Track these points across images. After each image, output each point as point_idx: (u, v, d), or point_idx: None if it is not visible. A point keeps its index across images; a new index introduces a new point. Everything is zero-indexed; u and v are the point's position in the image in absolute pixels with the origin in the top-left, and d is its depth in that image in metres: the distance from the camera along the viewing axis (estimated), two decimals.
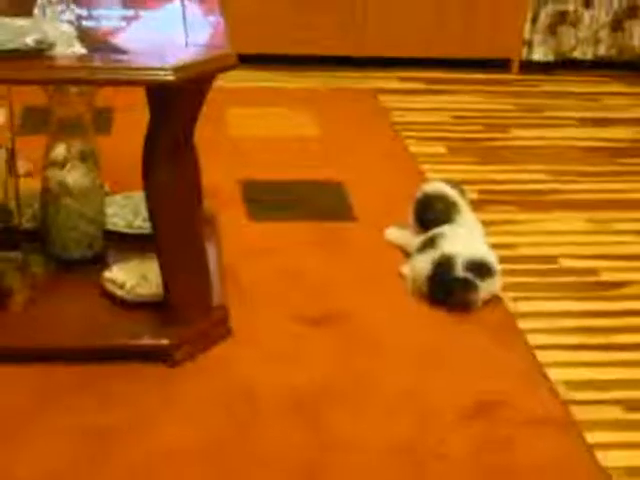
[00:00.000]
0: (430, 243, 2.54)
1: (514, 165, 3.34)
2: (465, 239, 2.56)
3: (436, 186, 2.71)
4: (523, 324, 2.44)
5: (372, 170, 3.20)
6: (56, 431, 2.00)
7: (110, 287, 2.30)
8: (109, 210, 2.55)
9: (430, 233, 2.57)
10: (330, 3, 3.96)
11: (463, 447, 2.02)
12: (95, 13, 2.22)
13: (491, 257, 2.54)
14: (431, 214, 2.63)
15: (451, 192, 2.67)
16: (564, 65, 4.20)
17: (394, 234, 2.76)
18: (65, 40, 1.99)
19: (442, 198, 2.65)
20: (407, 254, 2.65)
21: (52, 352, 2.18)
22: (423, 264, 2.52)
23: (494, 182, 3.21)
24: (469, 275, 2.46)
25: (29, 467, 1.91)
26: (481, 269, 2.48)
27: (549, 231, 2.92)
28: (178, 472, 1.91)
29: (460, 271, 2.46)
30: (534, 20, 4.11)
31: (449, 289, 2.47)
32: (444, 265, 2.47)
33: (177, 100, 2.04)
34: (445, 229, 2.57)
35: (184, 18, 2.26)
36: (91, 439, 1.98)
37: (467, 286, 2.46)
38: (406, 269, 2.59)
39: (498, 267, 2.53)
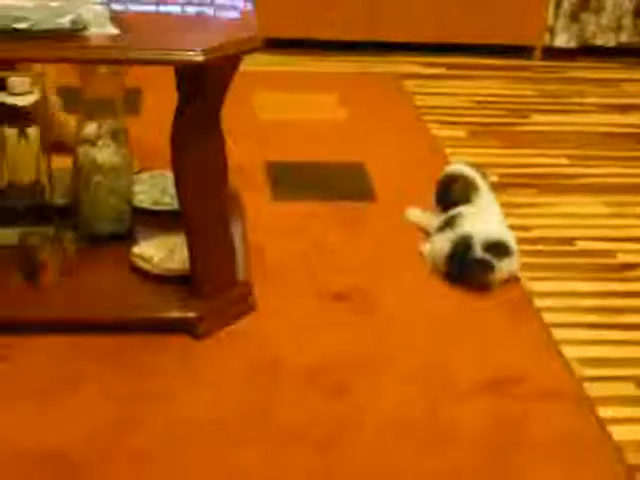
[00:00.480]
0: (449, 223, 2.60)
1: (535, 149, 3.39)
2: (484, 220, 2.62)
3: (457, 167, 2.77)
4: (539, 303, 2.50)
5: (394, 152, 3.26)
6: (88, 400, 2.07)
7: (138, 262, 2.37)
8: (137, 188, 2.62)
9: (450, 213, 2.63)
10: None
11: (477, 420, 2.08)
12: None
13: (509, 237, 2.59)
14: (450, 194, 2.69)
15: (471, 173, 2.72)
16: (586, 52, 4.24)
17: (414, 214, 2.82)
18: (98, 21, 2.06)
19: (462, 178, 2.71)
20: (427, 234, 2.71)
21: (82, 324, 2.26)
22: (442, 244, 2.57)
23: (514, 166, 3.25)
24: (487, 256, 2.52)
25: (60, 431, 1.99)
26: (499, 249, 2.54)
27: (567, 214, 2.97)
28: (200, 441, 1.98)
29: (478, 251, 2.52)
30: (557, 6, 4.14)
31: (467, 269, 2.53)
32: (463, 245, 2.53)
33: (205, 80, 2.10)
34: (464, 209, 2.63)
35: (212, 1, 2.33)
36: (120, 408, 2.05)
37: (485, 267, 2.52)
38: (426, 248, 2.65)
39: (516, 247, 2.58)
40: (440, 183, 2.74)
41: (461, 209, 2.63)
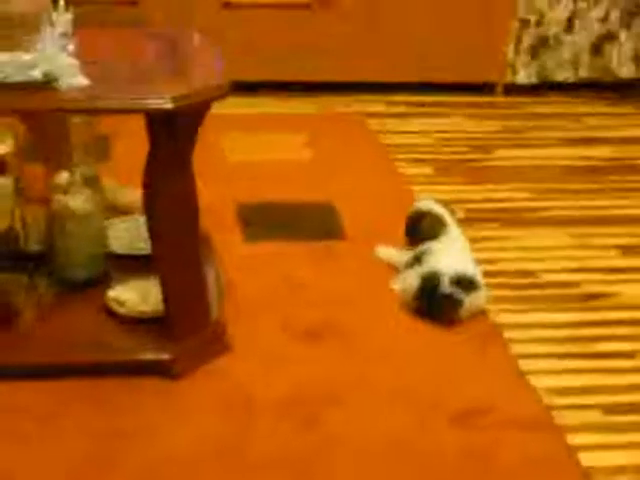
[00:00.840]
0: (418, 259, 2.67)
1: (498, 184, 3.46)
2: (451, 255, 2.68)
3: (425, 204, 2.85)
4: (507, 334, 2.56)
5: (362, 191, 3.32)
6: (65, 438, 2.12)
7: (113, 305, 2.42)
8: (110, 233, 2.66)
9: (417, 250, 2.70)
10: (317, 30, 4.08)
11: (448, 450, 2.14)
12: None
13: (476, 272, 2.66)
14: (419, 230, 2.77)
15: (439, 210, 2.79)
16: (547, 87, 4.33)
17: (384, 251, 2.88)
18: (69, 72, 2.11)
19: (430, 215, 2.78)
20: (397, 270, 2.77)
21: (59, 368, 2.29)
22: (411, 279, 2.64)
23: (479, 201, 3.33)
24: (455, 290, 2.58)
25: (41, 469, 2.03)
26: (466, 284, 2.60)
27: (531, 246, 3.04)
28: (179, 475, 2.03)
29: (446, 286, 2.58)
30: (517, 43, 4.23)
31: (436, 304, 2.59)
32: (431, 280, 2.59)
33: (175, 127, 2.16)
34: (432, 245, 2.69)
35: (178, 48, 2.39)
36: (98, 445, 2.10)
37: (453, 301, 2.58)
38: (395, 284, 2.71)
39: (483, 281, 2.65)
40: (409, 219, 2.82)
41: (429, 245, 2.70)
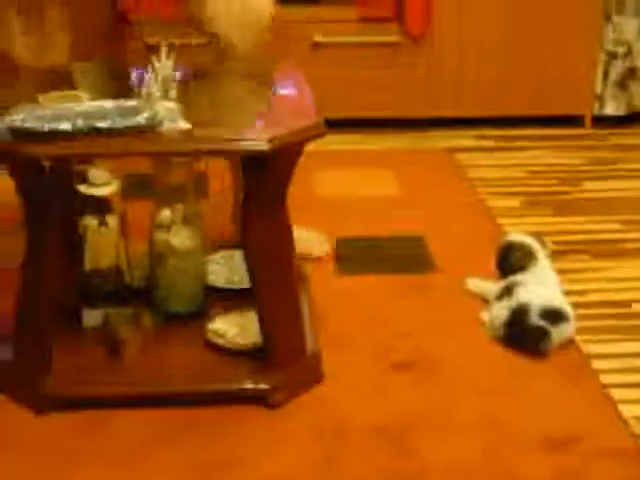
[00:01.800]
0: (507, 291, 2.72)
1: (587, 216, 3.49)
2: (541, 287, 2.73)
3: (517, 236, 2.92)
4: (596, 365, 2.60)
5: (451, 224, 3.38)
6: (168, 466, 2.22)
7: (213, 337, 2.52)
8: (210, 268, 2.77)
9: (507, 281, 2.76)
10: (404, 67, 4.17)
11: (542, 476, 2.18)
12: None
13: (565, 304, 2.70)
14: (510, 261, 2.83)
15: (530, 242, 2.85)
16: (635, 119, 4.35)
17: (474, 283, 2.94)
18: (171, 116, 2.24)
19: (521, 246, 2.84)
20: (487, 302, 2.83)
21: (162, 397, 2.41)
22: (501, 311, 2.69)
23: (568, 232, 3.36)
24: (543, 323, 2.63)
25: None
26: (555, 316, 2.65)
27: (622, 277, 3.06)
28: None
29: (535, 318, 2.63)
30: (605, 76, 4.26)
31: (525, 336, 2.64)
32: (520, 313, 2.65)
33: (271, 167, 2.26)
34: (522, 278, 2.75)
35: (275, 89, 2.50)
36: (196, 474, 2.20)
37: (541, 333, 2.63)
38: (485, 315, 2.77)
39: (572, 313, 2.69)
40: (500, 250, 2.88)
41: (519, 277, 2.75)
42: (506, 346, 2.67)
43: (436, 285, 2.99)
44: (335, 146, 4.00)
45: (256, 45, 2.63)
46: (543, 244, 2.89)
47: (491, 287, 2.85)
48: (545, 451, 2.27)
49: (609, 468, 2.21)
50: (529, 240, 2.87)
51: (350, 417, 2.38)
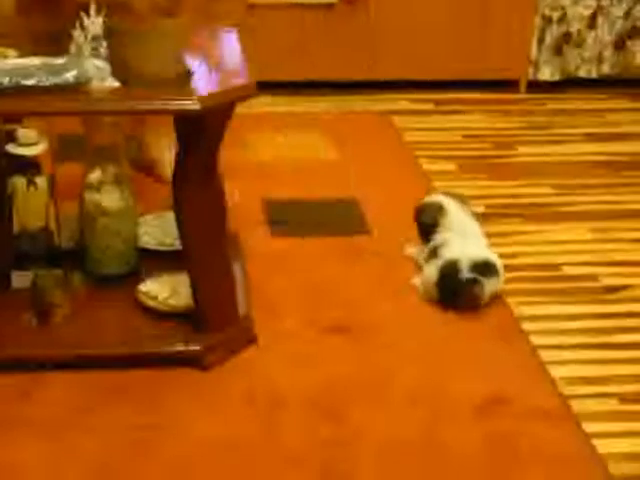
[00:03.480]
0: (433, 254, 2.74)
1: (520, 180, 3.52)
2: (465, 243, 2.76)
3: (431, 196, 2.96)
4: (527, 326, 2.62)
5: (385, 187, 3.38)
6: (97, 429, 2.20)
7: (144, 299, 2.50)
8: (142, 230, 2.74)
9: (432, 243, 2.78)
10: (341, 30, 4.15)
11: (472, 440, 2.21)
12: None
13: (493, 256, 2.74)
14: (421, 220, 2.88)
15: (442, 199, 2.89)
16: (570, 84, 4.38)
17: (408, 250, 2.95)
18: (100, 75, 2.19)
19: (431, 205, 2.88)
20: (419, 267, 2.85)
21: (93, 360, 2.38)
22: (430, 272, 2.71)
23: (501, 196, 3.39)
24: (474, 275, 2.66)
25: (78, 463, 2.11)
26: (484, 269, 2.69)
27: (553, 241, 3.09)
28: (210, 464, 2.11)
29: (465, 272, 2.66)
30: (540, 41, 4.28)
31: (457, 291, 2.67)
32: (449, 269, 2.67)
33: (203, 126, 2.24)
34: (445, 237, 2.78)
35: (206, 48, 2.47)
36: (129, 436, 2.18)
37: (473, 285, 2.66)
38: (417, 280, 2.78)
39: (500, 265, 2.73)
40: (414, 212, 2.92)
41: (442, 237, 2.78)
42: (441, 306, 2.68)
43: (370, 249, 2.99)
44: (269, 108, 3.98)
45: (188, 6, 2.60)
46: (463, 202, 2.91)
47: (421, 251, 2.86)
48: (475, 414, 2.29)
49: (539, 430, 2.24)
50: (441, 198, 2.90)
51: (282, 383, 2.37)
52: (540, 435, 2.22)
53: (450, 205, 2.86)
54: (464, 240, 2.77)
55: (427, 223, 2.85)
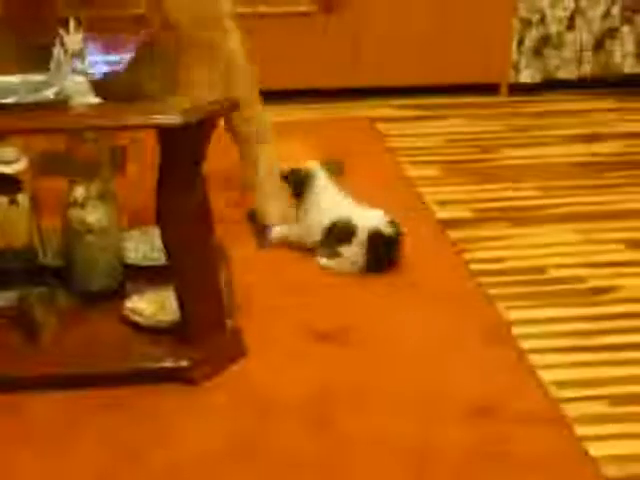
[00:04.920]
0: (342, 233, 2.86)
1: (505, 183, 3.52)
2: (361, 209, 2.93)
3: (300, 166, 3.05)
4: (515, 331, 2.62)
5: (370, 193, 3.35)
6: (88, 446, 2.19)
7: (131, 315, 2.49)
8: (127, 245, 2.73)
9: (328, 224, 2.90)
10: (321, 37, 4.14)
11: (462, 445, 2.20)
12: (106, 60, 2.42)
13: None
14: (290, 185, 3.00)
15: (308, 166, 3.01)
16: (551, 86, 4.39)
17: (277, 231, 3.04)
18: (80, 91, 2.19)
19: (295, 171, 3.00)
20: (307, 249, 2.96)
21: (80, 378, 2.37)
22: (353, 250, 2.84)
23: (486, 200, 3.39)
24: (393, 231, 2.84)
25: (72, 477, 2.10)
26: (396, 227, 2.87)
27: (538, 244, 3.09)
28: (202, 474, 2.11)
29: (389, 234, 2.83)
30: (519, 43, 4.29)
31: (386, 252, 2.84)
32: (374, 233, 2.82)
33: (185, 140, 2.23)
34: (346, 211, 2.91)
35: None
36: (119, 452, 2.17)
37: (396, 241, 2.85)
38: (327, 261, 2.89)
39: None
40: (285, 176, 3.03)
41: (343, 214, 2.90)
42: (366, 273, 2.81)
43: None
44: None
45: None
46: (330, 169, 3.02)
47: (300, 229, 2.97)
48: (467, 419, 2.28)
49: (530, 434, 2.23)
50: (309, 164, 3.00)
51: (273, 393, 2.36)
52: (531, 438, 2.22)
53: (313, 171, 2.97)
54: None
55: (294, 191, 2.96)
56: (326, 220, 2.89)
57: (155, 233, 2.69)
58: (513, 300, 2.77)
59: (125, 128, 2.25)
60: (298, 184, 2.96)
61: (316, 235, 2.90)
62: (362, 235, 2.81)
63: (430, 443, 2.21)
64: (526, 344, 2.56)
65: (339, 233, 2.86)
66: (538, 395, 2.37)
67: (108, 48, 2.46)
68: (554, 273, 2.92)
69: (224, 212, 3.03)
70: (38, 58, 2.33)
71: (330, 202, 2.94)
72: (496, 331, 2.62)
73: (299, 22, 4.13)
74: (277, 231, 3.04)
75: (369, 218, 2.86)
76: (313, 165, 3.00)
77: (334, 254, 2.87)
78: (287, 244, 3.00)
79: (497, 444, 2.21)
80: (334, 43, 4.15)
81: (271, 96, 4.12)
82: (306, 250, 2.96)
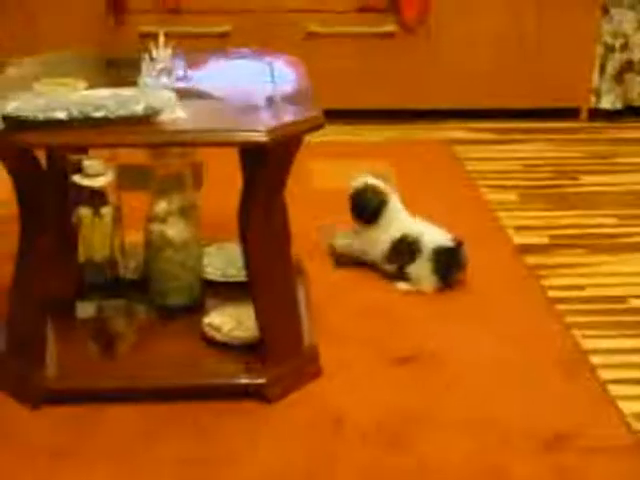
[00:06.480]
0: (408, 248, 2.88)
1: (583, 210, 3.48)
2: (427, 226, 2.94)
3: (362, 180, 2.98)
4: (594, 360, 2.58)
5: (447, 218, 3.34)
6: (161, 462, 2.19)
7: (208, 331, 2.50)
8: (205, 260, 2.74)
9: (397, 239, 2.89)
10: (400, 58, 4.15)
11: (539, 474, 2.17)
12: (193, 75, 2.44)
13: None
14: (366, 205, 2.93)
15: (375, 181, 2.95)
16: (632, 112, 4.33)
17: (339, 243, 3.05)
18: (168, 106, 2.20)
19: (370, 187, 2.94)
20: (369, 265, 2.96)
21: (156, 391, 2.38)
22: (424, 267, 2.85)
23: (564, 227, 3.35)
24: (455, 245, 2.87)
25: None
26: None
27: (618, 272, 3.05)
28: None
29: (460, 252, 2.87)
30: (602, 69, 4.24)
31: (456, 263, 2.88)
32: (443, 255, 2.84)
33: (270, 159, 2.23)
34: (411, 228, 2.91)
35: (273, 79, 2.47)
36: (191, 469, 2.17)
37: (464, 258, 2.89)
38: (404, 285, 2.88)
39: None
40: (352, 198, 2.95)
41: (407, 229, 2.90)
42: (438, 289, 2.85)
43: None
44: (331, 137, 3.95)
45: None
46: (385, 180, 2.98)
47: (360, 240, 2.96)
48: (543, 449, 2.25)
49: (608, 465, 2.20)
50: (374, 181, 2.95)
51: (347, 413, 2.35)
52: (611, 471, 2.18)
53: (383, 185, 2.94)
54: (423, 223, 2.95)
55: (374, 207, 2.91)
56: (392, 236, 2.89)
57: (232, 249, 2.72)
58: (592, 329, 2.73)
59: (210, 144, 2.25)
60: (372, 214, 2.92)
61: (380, 250, 2.90)
62: (426, 251, 2.84)
63: (507, 471, 2.18)
64: (605, 374, 2.52)
65: (404, 249, 2.87)
66: (617, 427, 2.33)
67: (194, 64, 2.49)
68: (634, 303, 2.87)
69: (302, 231, 3.03)
70: (127, 73, 2.36)
71: (398, 221, 2.93)
72: (574, 360, 2.59)
73: (381, 42, 4.13)
74: (342, 239, 3.03)
75: (431, 234, 2.88)
76: (381, 186, 2.95)
77: (401, 275, 2.87)
78: (350, 255, 3.00)
79: (575, 475, 2.18)
80: (414, 64, 4.15)
81: (349, 116, 4.15)
82: (369, 265, 2.97)
